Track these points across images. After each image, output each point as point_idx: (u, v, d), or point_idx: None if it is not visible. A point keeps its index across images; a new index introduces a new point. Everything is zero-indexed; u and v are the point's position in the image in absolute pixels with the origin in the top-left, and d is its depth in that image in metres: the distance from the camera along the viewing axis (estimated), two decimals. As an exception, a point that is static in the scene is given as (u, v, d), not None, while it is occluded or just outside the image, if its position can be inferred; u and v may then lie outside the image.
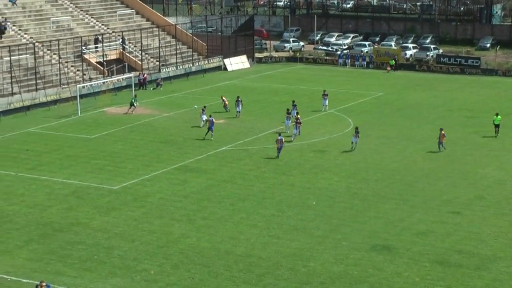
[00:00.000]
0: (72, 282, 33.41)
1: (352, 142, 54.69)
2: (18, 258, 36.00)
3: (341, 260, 36.09)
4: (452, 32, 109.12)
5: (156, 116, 65.27)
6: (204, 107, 62.55)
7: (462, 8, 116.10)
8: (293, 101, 63.69)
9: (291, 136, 56.87)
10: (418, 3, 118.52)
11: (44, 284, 30.50)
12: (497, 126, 59.05)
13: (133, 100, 66.97)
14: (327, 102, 67.91)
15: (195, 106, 66.40)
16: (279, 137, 53.00)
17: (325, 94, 68.32)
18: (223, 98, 67.65)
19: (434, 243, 38.18)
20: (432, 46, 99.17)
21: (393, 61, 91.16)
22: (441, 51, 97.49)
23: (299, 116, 59.10)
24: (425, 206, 43.58)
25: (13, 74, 69.31)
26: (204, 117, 59.91)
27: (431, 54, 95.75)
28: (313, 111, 67.39)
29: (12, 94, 68.25)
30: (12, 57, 69.82)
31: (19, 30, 78.11)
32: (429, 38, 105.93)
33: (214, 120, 58.05)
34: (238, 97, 65.57)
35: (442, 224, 40.78)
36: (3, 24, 75.77)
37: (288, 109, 60.99)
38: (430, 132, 59.95)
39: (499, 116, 59.04)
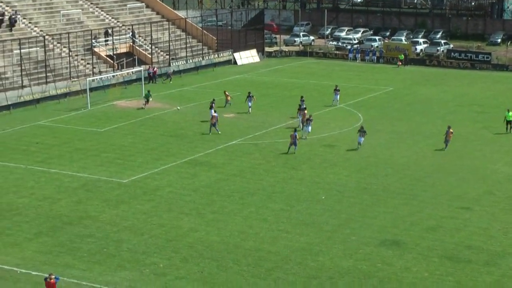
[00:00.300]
0: (81, 275, 33.49)
1: (358, 143, 53.58)
2: (27, 251, 36.11)
3: (350, 255, 36.06)
4: (463, 27, 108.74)
5: (166, 110, 65.29)
6: (214, 100, 62.57)
7: (473, 3, 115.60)
8: (302, 97, 63.49)
9: (302, 135, 55.99)
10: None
11: (53, 276, 30.61)
12: (509, 122, 58.66)
13: (147, 94, 66.52)
14: (338, 97, 67.75)
15: (179, 107, 66.10)
16: (293, 133, 52.83)
17: (337, 89, 68.12)
18: (226, 93, 67.43)
19: (443, 238, 38.10)
20: (442, 41, 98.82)
21: (403, 56, 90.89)
22: (451, 46, 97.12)
23: (307, 113, 58.67)
24: (434, 201, 43.49)
25: (23, 67, 69.46)
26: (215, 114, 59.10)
27: (441, 49, 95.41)
28: (323, 105, 67.27)
29: (22, 87, 68.41)
30: (22, 50, 69.95)
31: (29, 23, 78.23)
32: (440, 33, 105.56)
33: (218, 116, 58.03)
34: (249, 92, 65.35)
35: (452, 220, 40.70)
36: (13, 16, 75.90)
37: (300, 105, 60.82)
38: (440, 127, 59.74)
39: (511, 112, 58.75)
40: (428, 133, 58.76)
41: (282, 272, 34.16)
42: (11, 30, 75.07)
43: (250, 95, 64.79)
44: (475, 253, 36.36)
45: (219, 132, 57.17)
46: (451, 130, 54.08)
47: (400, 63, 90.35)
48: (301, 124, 58.22)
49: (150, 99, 66.38)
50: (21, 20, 77.28)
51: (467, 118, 63.86)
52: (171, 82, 78.89)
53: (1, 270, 33.89)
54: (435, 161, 51.50)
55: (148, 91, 67.41)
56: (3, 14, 75.74)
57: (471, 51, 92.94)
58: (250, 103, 64.38)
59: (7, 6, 78.46)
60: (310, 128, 56.27)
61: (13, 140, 55.96)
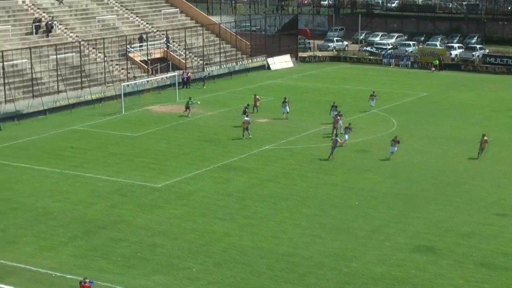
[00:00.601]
0: (116, 279, 33.68)
1: (391, 152, 52.18)
2: (62, 255, 36.39)
3: (384, 261, 35.86)
4: (499, 32, 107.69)
5: (200, 115, 65.48)
6: (248, 105, 62.61)
7: (509, 7, 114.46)
8: (333, 103, 63.15)
9: (342, 141, 55.50)
10: (464, 2, 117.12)
11: (87, 280, 30.83)
12: None
13: (189, 102, 65.32)
14: (373, 103, 67.32)
15: (198, 102, 66.25)
16: (335, 138, 52.60)
17: (374, 95, 67.71)
18: (257, 97, 67.21)
19: (478, 245, 37.74)
20: (478, 46, 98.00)
21: (437, 61, 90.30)
22: (487, 51, 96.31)
23: (340, 118, 58.43)
24: (469, 208, 43.11)
25: (59, 72, 70.14)
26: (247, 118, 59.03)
27: (477, 54, 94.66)
28: (358, 111, 67.02)
29: (58, 92, 69.08)
30: (58, 56, 70.65)
31: (66, 29, 79.03)
32: (475, 38, 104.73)
33: (250, 120, 58.11)
34: (285, 98, 65.03)
35: (487, 226, 40.31)
36: (50, 23, 76.73)
37: (339, 112, 60.06)
38: (475, 132, 59.23)
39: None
40: (463, 138, 58.30)
41: (315, 278, 34.07)
42: (48, 36, 75.90)
43: (286, 100, 64.55)
44: (511, 260, 35.98)
45: (251, 137, 57.21)
46: (485, 138, 52.94)
47: (434, 69, 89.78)
48: (335, 130, 57.88)
49: (192, 103, 65.26)
50: (58, 26, 78.09)
51: (503, 124, 63.24)
52: (204, 87, 79.12)
53: (37, 274, 34.21)
54: (470, 167, 51.06)
55: (190, 98, 66.23)
56: (40, 20, 76.61)
57: (507, 56, 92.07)
58: (285, 109, 64.02)
59: (44, 12, 79.34)
60: (347, 136, 55.64)
61: (48, 144, 56.49)
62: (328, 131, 59.00)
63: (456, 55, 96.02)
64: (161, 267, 35.09)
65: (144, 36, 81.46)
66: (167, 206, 43.15)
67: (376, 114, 66.33)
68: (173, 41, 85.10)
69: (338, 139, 52.74)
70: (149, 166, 50.82)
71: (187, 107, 65.15)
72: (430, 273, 34.64)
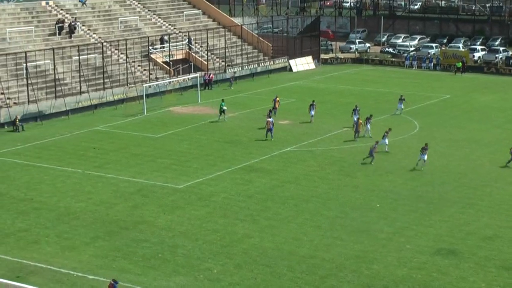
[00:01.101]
0: (137, 280, 33.79)
1: (419, 159, 50.66)
2: (84, 255, 36.57)
3: (405, 264, 35.73)
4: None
5: (222, 116, 65.50)
6: (270, 110, 62.27)
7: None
8: (356, 106, 62.92)
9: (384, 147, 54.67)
10: (487, 4, 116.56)
11: (112, 282, 30.93)
12: None
13: (222, 106, 63.57)
14: (402, 105, 66.93)
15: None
16: (374, 144, 51.98)
17: (402, 98, 67.33)
18: (278, 99, 66.73)
19: (501, 248, 37.51)
20: (501, 48, 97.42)
21: (460, 63, 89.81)
22: (510, 53, 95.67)
23: (364, 120, 58.18)
24: (492, 211, 42.86)
25: (81, 73, 70.50)
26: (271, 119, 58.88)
27: (500, 56, 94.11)
28: (379, 113, 66.78)
29: (81, 93, 69.42)
30: (81, 57, 71.02)
31: (88, 30, 79.43)
32: (499, 40, 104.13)
33: (273, 121, 58.12)
34: (313, 101, 64.59)
35: (510, 229, 40.04)
36: (73, 24, 77.16)
37: (370, 115, 59.60)
38: (499, 135, 58.99)
39: None
40: (486, 141, 57.98)
41: (336, 280, 34.00)
42: (70, 37, 76.31)
43: (313, 103, 64.01)
44: (534, 264, 35.77)
45: (272, 139, 57.18)
46: None
47: (457, 71, 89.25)
48: (357, 134, 57.49)
49: (225, 108, 63.64)
50: (80, 27, 78.51)
51: (526, 127, 62.88)
52: (232, 88, 79.08)
53: (59, 273, 34.39)
54: (492, 169, 50.76)
55: (222, 100, 64.68)
56: (63, 22, 77.04)
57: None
58: (312, 112, 63.69)
59: (67, 13, 79.78)
60: (387, 140, 54.57)
61: (71, 145, 56.79)
62: (349, 135, 58.80)
63: (479, 57, 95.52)
64: (181, 268, 35.17)
65: (166, 37, 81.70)
66: (188, 207, 43.24)
67: (398, 117, 66.08)
68: (195, 43, 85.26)
69: (377, 146, 52.00)
70: (170, 167, 50.96)
71: (221, 111, 63.71)
72: (452, 276, 34.47)
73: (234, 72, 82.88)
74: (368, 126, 58.41)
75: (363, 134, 58.06)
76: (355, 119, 59.88)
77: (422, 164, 50.46)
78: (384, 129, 55.73)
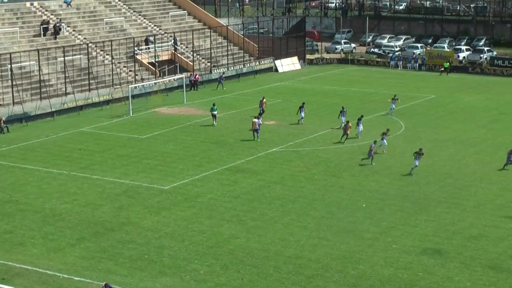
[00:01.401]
0: (123, 281, 33.72)
1: (415, 166, 49.75)
2: (70, 256, 36.47)
3: (391, 263, 35.83)
4: (507, 34, 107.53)
5: (207, 117, 65.44)
6: (260, 114, 62.11)
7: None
8: (343, 107, 62.90)
9: (383, 149, 54.51)
10: (472, 5, 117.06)
11: (103, 284, 30.91)
12: None
13: (213, 109, 62.49)
14: (394, 106, 67.04)
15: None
16: (372, 144, 52.07)
17: (395, 98, 67.42)
18: (264, 100, 66.27)
19: (486, 248, 37.68)
20: (486, 48, 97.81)
21: (448, 64, 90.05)
22: (495, 53, 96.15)
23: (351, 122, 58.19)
24: (477, 210, 43.05)
25: (67, 74, 70.29)
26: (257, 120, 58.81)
27: (484, 57, 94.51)
28: (365, 113, 66.76)
29: (66, 94, 69.22)
30: (66, 58, 70.83)
31: (73, 31, 79.20)
32: (483, 40, 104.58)
33: (261, 122, 58.26)
34: (303, 103, 64.18)
35: (495, 229, 40.23)
36: (58, 25, 76.91)
37: (361, 116, 59.44)
38: (483, 135, 59.24)
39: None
40: (471, 141, 58.21)
41: (322, 280, 34.06)
42: (55, 38, 76.08)
43: (303, 105, 63.53)
44: (519, 263, 35.94)
45: (258, 139, 57.20)
46: None
47: (443, 70, 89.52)
48: (344, 136, 57.38)
49: (215, 113, 62.45)
50: (65, 28, 78.27)
51: (511, 126, 63.06)
52: (224, 88, 78.94)
53: (44, 275, 34.28)
54: (477, 169, 50.97)
55: (213, 104, 63.52)
56: (48, 23, 76.78)
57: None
58: (302, 114, 63.39)
59: (52, 14, 79.53)
60: (385, 141, 54.48)
61: (56, 146, 56.61)
62: (335, 135, 58.90)
63: (464, 57, 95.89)
64: (168, 269, 35.14)
65: (151, 38, 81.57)
66: (174, 208, 43.20)
67: (384, 117, 66.24)
68: (181, 43, 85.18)
69: (374, 146, 52.08)
70: (156, 168, 50.89)
71: (213, 115, 62.65)
72: (438, 275, 34.60)
73: (223, 73, 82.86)
74: (361, 126, 58.20)
75: (355, 136, 57.95)
76: (342, 120, 59.91)
77: (413, 169, 49.93)
78: (375, 129, 55.75)
